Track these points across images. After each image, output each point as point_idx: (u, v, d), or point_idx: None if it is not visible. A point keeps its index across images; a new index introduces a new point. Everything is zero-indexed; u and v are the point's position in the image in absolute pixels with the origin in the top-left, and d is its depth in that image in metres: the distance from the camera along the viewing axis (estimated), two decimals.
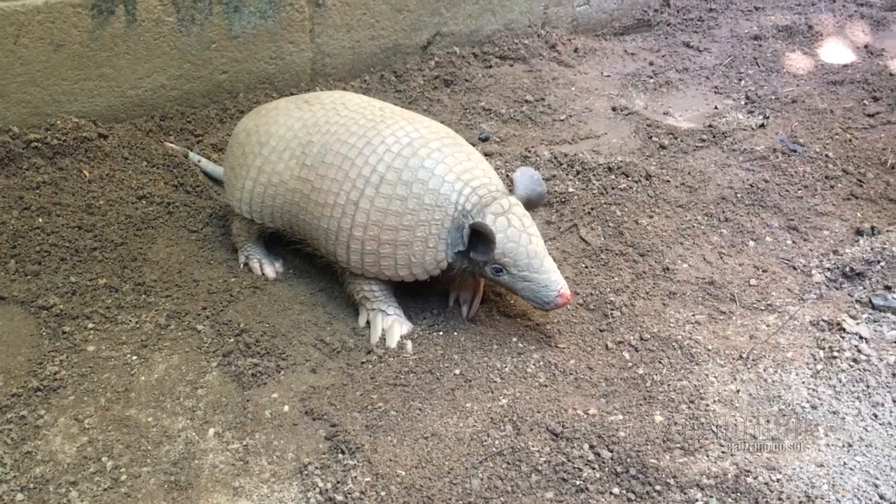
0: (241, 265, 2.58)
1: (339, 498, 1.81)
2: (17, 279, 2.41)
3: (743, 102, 3.77)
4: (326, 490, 1.84)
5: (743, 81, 3.99)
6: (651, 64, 4.15)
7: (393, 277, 2.25)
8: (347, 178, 2.22)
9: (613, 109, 3.67)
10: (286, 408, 2.07)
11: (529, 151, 3.24)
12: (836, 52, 4.24)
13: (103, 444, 1.93)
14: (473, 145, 3.23)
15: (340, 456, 1.93)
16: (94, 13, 2.97)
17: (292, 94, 3.52)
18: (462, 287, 2.42)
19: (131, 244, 2.61)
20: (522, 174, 2.27)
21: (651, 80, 3.99)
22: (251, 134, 2.48)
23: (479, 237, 2.11)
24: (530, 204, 2.26)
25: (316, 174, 2.29)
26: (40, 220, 2.63)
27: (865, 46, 4.30)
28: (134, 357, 2.20)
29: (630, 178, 3.08)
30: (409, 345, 2.28)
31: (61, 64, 2.98)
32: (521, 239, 2.14)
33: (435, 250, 2.18)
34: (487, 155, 3.22)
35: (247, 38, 3.35)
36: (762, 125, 3.48)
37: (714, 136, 3.41)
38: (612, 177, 3.09)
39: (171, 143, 3.11)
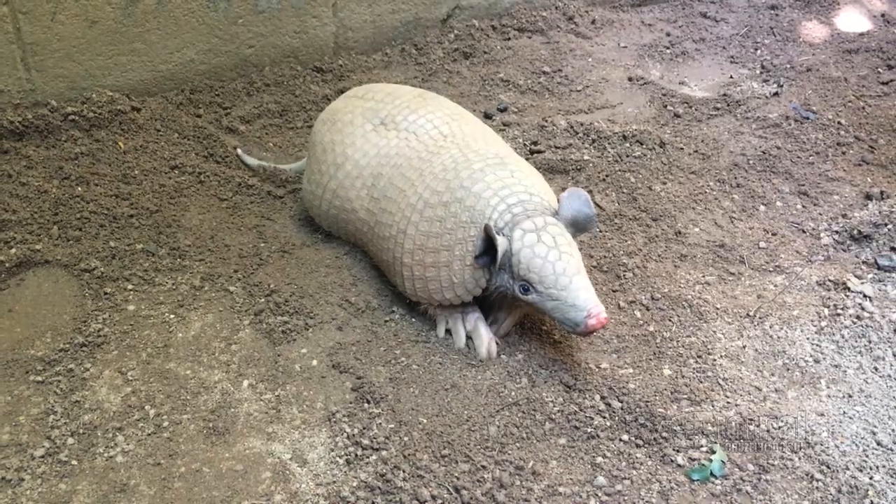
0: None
1: (365, 442, 1.94)
2: (59, 244, 2.55)
3: (758, 71, 3.83)
4: (353, 435, 1.97)
5: (759, 51, 4.04)
6: (668, 34, 4.21)
7: (442, 301, 2.21)
8: (399, 210, 2.25)
9: (629, 80, 3.74)
10: (315, 362, 2.20)
11: (546, 121, 3.33)
12: (853, 20, 4.27)
13: (146, 394, 2.08)
14: (490, 117, 3.37)
15: (366, 405, 2.06)
16: None
17: (316, 67, 3.63)
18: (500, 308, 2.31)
19: (165, 211, 2.74)
20: (570, 195, 2.12)
21: (667, 51, 4.05)
22: (328, 151, 2.51)
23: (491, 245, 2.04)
24: (577, 226, 2.12)
25: (379, 207, 2.34)
26: (79, 188, 2.76)
27: (882, 15, 4.32)
28: (171, 316, 2.34)
29: (644, 146, 3.16)
30: (493, 348, 2.22)
31: (96, 40, 3.11)
32: (549, 255, 2.02)
33: (472, 268, 2.11)
34: (505, 125, 3.32)
35: (272, 13, 3.46)
36: (776, 93, 3.54)
37: (728, 105, 3.48)
38: (627, 145, 3.18)
39: (244, 152, 3.11)
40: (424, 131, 2.39)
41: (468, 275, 2.13)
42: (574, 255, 2.06)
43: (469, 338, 2.26)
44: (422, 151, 2.33)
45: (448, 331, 2.30)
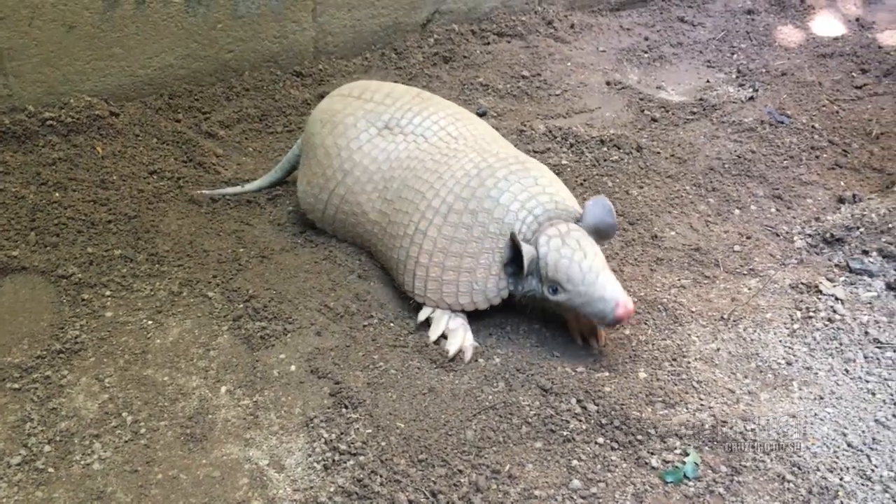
0: None
1: (343, 447, 1.95)
2: (37, 250, 2.54)
3: (734, 76, 3.87)
4: (331, 440, 1.98)
5: (735, 55, 4.08)
6: (646, 39, 4.25)
7: (452, 306, 2.29)
8: (417, 210, 2.31)
9: (607, 84, 3.77)
10: (293, 367, 2.21)
11: (525, 126, 3.35)
12: (828, 24, 4.33)
13: (123, 401, 2.08)
14: None
15: (344, 410, 2.07)
16: None
17: (296, 72, 3.64)
18: (580, 321, 2.33)
19: (144, 217, 2.74)
20: (594, 204, 2.23)
21: (645, 55, 4.09)
22: (332, 156, 2.52)
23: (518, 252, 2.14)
24: (599, 234, 2.23)
25: (392, 208, 2.39)
26: (57, 194, 2.76)
27: (857, 19, 4.38)
28: (149, 322, 2.34)
29: (622, 151, 3.19)
30: (468, 353, 2.25)
31: (74, 45, 3.10)
32: (575, 255, 2.12)
33: (497, 277, 2.22)
34: None
35: (251, 18, 3.46)
36: (752, 98, 3.58)
37: (704, 109, 3.52)
38: (605, 149, 3.21)
39: (203, 191, 2.93)
40: (432, 133, 2.46)
41: (491, 284, 2.23)
42: (598, 253, 2.17)
43: (444, 336, 2.29)
44: (434, 154, 2.39)
45: (428, 320, 2.32)
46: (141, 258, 2.56)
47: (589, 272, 2.11)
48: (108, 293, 2.42)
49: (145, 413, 2.05)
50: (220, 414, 2.06)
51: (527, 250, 2.12)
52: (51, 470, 1.89)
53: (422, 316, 2.34)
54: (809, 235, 2.76)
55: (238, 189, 2.92)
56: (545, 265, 2.14)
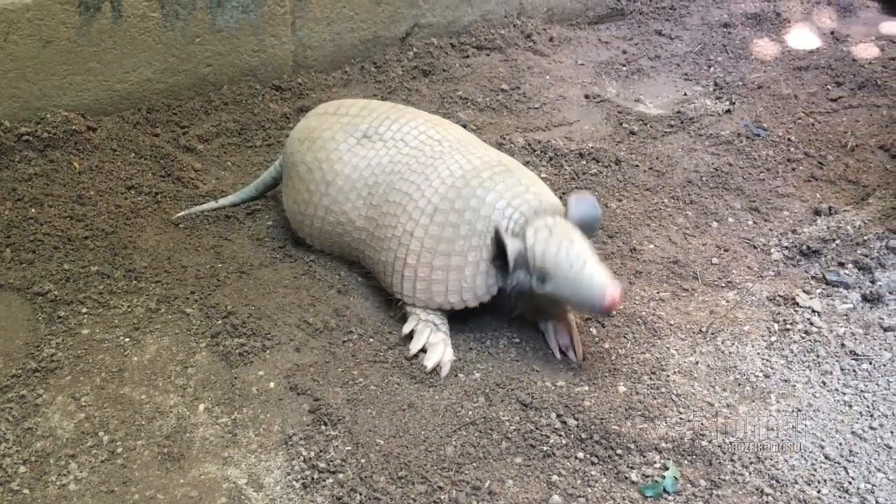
0: None
1: (322, 465, 1.94)
2: (12, 267, 2.52)
3: (711, 89, 3.91)
4: (310, 458, 1.97)
5: (712, 68, 4.12)
6: (624, 52, 4.27)
7: (442, 305, 2.30)
8: (405, 212, 2.33)
9: (586, 97, 3.79)
10: (272, 384, 2.20)
11: (504, 139, 3.36)
12: (803, 38, 4.38)
13: (100, 420, 2.06)
14: None
15: (323, 427, 2.06)
16: (82, 10, 3.07)
17: (275, 86, 3.63)
18: (558, 332, 2.36)
19: (121, 233, 2.72)
20: (577, 199, 2.26)
21: (623, 68, 4.11)
22: (314, 170, 2.54)
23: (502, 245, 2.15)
24: (585, 227, 2.24)
25: (380, 212, 2.40)
26: (33, 210, 2.73)
27: (832, 32, 4.44)
28: (126, 339, 2.32)
29: (600, 164, 3.21)
30: (445, 369, 2.25)
31: (50, 59, 3.08)
32: (562, 244, 2.14)
33: (486, 274, 2.24)
34: None
35: (230, 32, 3.46)
36: (728, 111, 3.61)
37: (682, 122, 3.55)
38: (584, 162, 3.22)
39: (181, 213, 2.86)
40: (412, 137, 2.48)
41: (480, 281, 2.25)
42: (585, 242, 2.18)
43: (423, 350, 2.28)
44: (419, 156, 2.42)
45: (411, 334, 2.32)
46: (118, 274, 2.54)
47: (577, 259, 2.12)
48: (84, 310, 2.40)
49: (122, 432, 2.03)
50: (198, 432, 2.05)
51: (512, 245, 2.15)
52: (26, 491, 1.87)
53: (406, 329, 2.34)
54: (786, 248, 2.79)
55: (212, 204, 2.90)
56: (533, 255, 2.16)
